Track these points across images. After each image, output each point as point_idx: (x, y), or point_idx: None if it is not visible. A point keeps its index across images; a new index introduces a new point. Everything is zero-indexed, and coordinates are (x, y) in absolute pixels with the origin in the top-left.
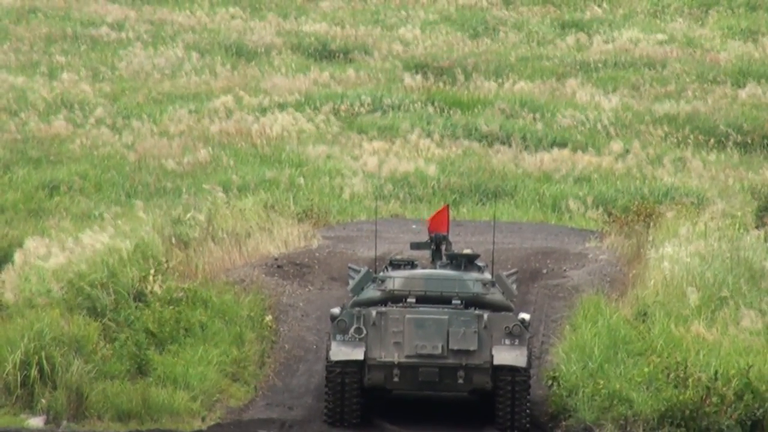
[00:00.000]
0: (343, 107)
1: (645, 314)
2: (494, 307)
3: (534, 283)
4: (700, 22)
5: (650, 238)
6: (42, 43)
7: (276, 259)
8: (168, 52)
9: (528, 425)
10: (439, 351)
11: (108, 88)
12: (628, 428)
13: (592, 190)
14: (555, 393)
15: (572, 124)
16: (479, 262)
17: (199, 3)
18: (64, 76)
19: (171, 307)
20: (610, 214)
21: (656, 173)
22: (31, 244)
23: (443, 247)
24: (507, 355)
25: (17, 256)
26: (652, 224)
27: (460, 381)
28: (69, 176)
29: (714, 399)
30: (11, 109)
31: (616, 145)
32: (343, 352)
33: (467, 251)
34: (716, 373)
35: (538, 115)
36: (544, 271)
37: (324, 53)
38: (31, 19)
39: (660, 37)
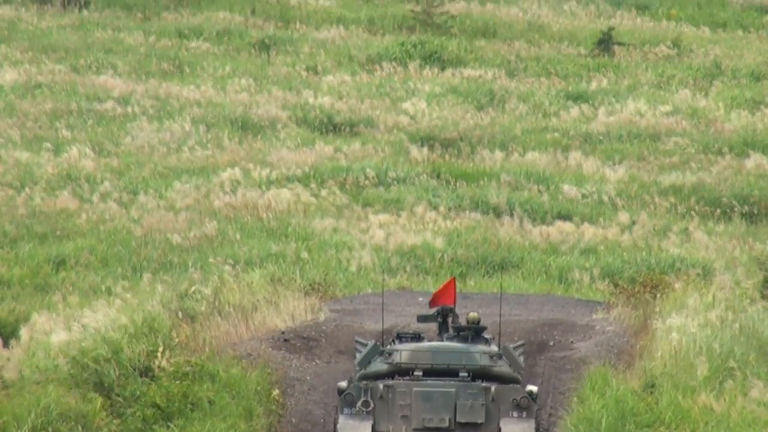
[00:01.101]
0: (348, 180)
1: (653, 386)
2: (502, 380)
3: (541, 355)
4: (704, 93)
5: (657, 309)
6: (47, 118)
7: (283, 333)
8: (174, 126)
9: None
10: (446, 424)
11: (114, 163)
12: None
13: (599, 261)
14: None
15: (577, 196)
16: (486, 335)
17: (203, 78)
18: (70, 150)
19: (178, 382)
20: (616, 286)
21: (662, 244)
22: (38, 319)
23: (450, 320)
24: (515, 428)
25: (23, 332)
26: (659, 295)
27: None
28: (75, 251)
29: None
30: (17, 184)
31: (623, 217)
32: (350, 425)
33: (473, 314)
34: None
35: (543, 187)
36: (551, 343)
37: (329, 126)
38: (36, 94)
39: (665, 108)
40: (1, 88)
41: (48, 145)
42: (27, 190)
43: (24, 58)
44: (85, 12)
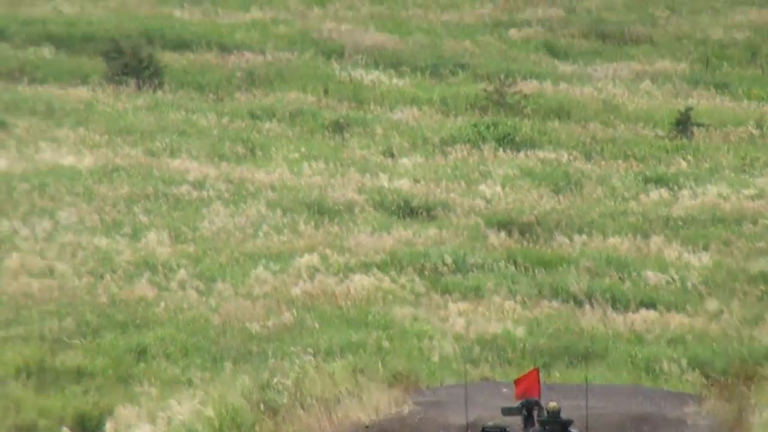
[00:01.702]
0: (427, 266)
1: None
2: None
3: None
4: None
5: (753, 402)
6: (124, 203)
7: (367, 427)
8: (249, 210)
9: None
10: None
11: (190, 249)
12: None
13: (687, 351)
14: None
15: (661, 282)
16: (573, 429)
17: (277, 161)
18: (147, 236)
19: None
20: (708, 377)
21: (754, 334)
22: (122, 412)
23: (535, 413)
24: None
25: (108, 426)
26: (753, 387)
27: None
28: (155, 341)
29: None
30: (98, 271)
31: (711, 304)
32: None
33: (552, 404)
34: None
35: (624, 274)
36: None
37: (406, 210)
38: (114, 178)
39: (748, 191)
40: (81, 173)
41: (126, 230)
42: (108, 277)
43: (101, 141)
44: (159, 93)
